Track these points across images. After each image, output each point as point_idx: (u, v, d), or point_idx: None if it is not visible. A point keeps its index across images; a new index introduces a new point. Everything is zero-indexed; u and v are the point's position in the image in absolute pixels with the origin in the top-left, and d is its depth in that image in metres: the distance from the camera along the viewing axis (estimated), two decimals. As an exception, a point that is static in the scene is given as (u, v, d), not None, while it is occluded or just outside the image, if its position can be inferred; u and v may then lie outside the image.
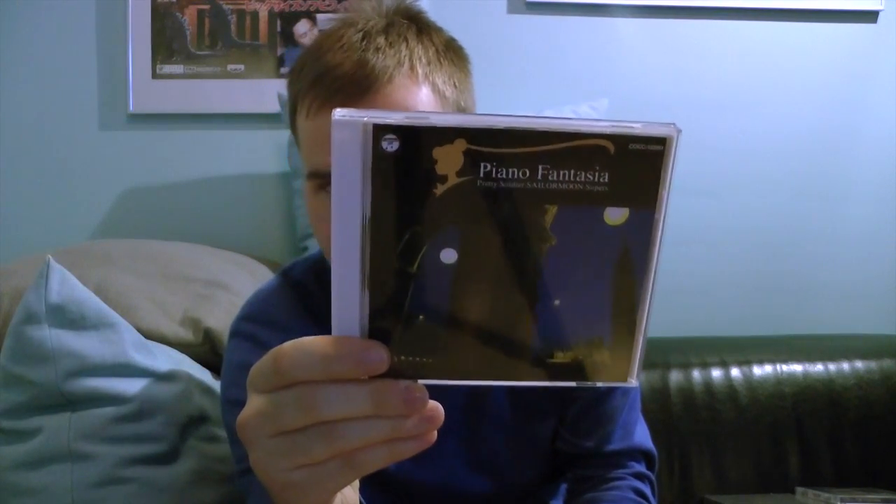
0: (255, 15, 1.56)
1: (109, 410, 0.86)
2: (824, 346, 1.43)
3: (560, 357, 0.35)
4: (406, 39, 0.69)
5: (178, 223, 1.55)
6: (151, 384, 0.90)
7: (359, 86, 0.66)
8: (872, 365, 1.38)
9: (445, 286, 0.34)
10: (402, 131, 0.31)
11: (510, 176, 0.32)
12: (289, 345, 0.36)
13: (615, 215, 0.33)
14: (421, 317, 0.34)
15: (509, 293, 0.34)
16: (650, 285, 0.35)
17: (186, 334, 1.11)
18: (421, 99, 0.68)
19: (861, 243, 1.65)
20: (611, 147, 0.32)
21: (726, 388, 1.34)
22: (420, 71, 0.68)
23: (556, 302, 0.34)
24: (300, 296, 0.83)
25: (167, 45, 1.54)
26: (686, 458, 1.32)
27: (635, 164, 0.32)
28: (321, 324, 0.80)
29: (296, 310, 0.81)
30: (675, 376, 1.35)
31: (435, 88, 0.69)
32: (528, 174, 0.32)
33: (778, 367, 1.37)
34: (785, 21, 1.63)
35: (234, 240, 1.52)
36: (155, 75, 1.54)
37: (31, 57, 1.54)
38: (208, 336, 1.10)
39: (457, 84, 0.72)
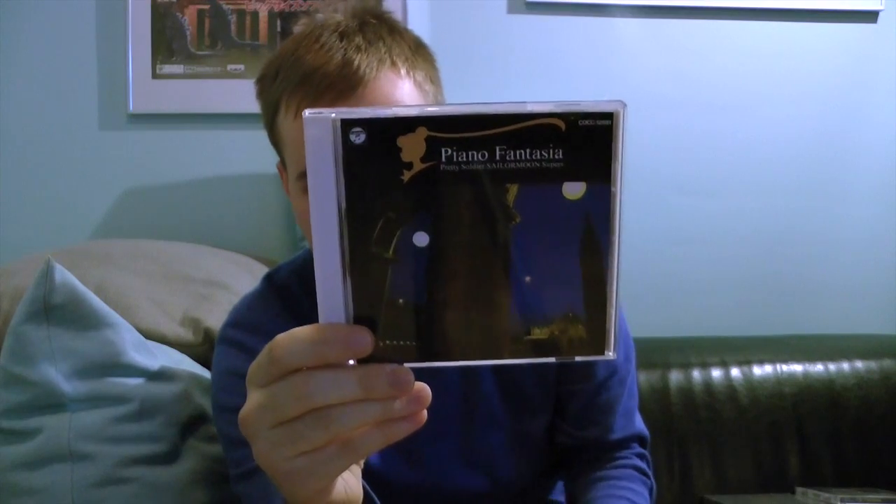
0: (255, 15, 1.56)
1: (109, 410, 0.86)
2: (824, 346, 1.43)
3: (537, 333, 0.37)
4: (382, 38, 0.71)
5: (178, 223, 1.55)
6: (151, 384, 0.90)
7: (346, 83, 0.67)
8: (872, 365, 1.38)
9: (421, 269, 0.36)
10: (367, 123, 0.34)
11: (470, 159, 0.34)
12: (281, 335, 0.38)
13: (573, 190, 0.35)
14: (401, 300, 0.36)
15: (483, 273, 0.36)
16: (615, 258, 0.36)
17: (186, 334, 1.11)
18: (405, 92, 0.70)
19: (861, 243, 1.65)
20: (562, 125, 0.34)
21: (726, 388, 1.34)
22: (401, 67, 0.70)
23: (528, 279, 0.36)
24: (284, 300, 0.83)
25: (167, 45, 1.54)
26: (686, 458, 1.32)
27: (587, 140, 0.34)
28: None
29: (280, 314, 0.82)
30: (675, 376, 1.35)
31: (416, 83, 0.72)
32: (486, 156, 0.34)
33: (778, 367, 1.37)
34: (785, 21, 1.63)
35: (234, 240, 1.52)
36: (155, 75, 1.54)
37: (31, 57, 1.54)
38: (208, 336, 1.11)
39: (432, 80, 0.75)
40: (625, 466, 0.87)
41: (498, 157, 0.34)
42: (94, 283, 1.11)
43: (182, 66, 1.55)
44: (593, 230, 0.36)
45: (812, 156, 1.64)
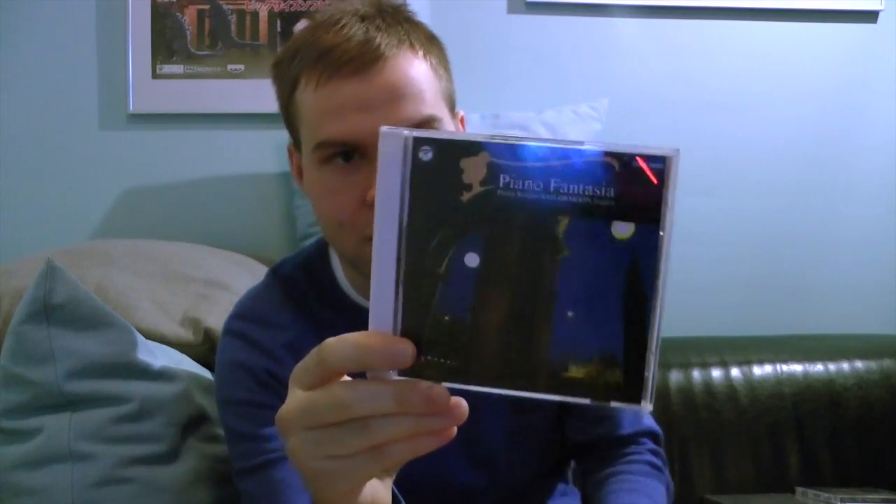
0: (255, 15, 1.56)
1: (109, 410, 0.86)
2: (824, 346, 1.43)
3: (574, 372, 0.37)
4: (400, 23, 0.74)
5: (178, 223, 1.55)
6: (151, 384, 0.90)
7: (366, 57, 0.70)
8: (872, 365, 1.38)
9: (469, 289, 0.37)
10: (435, 143, 0.36)
11: (526, 187, 0.36)
12: (332, 339, 0.39)
13: (622, 230, 0.35)
14: (447, 318, 0.37)
15: (527, 301, 0.37)
16: (659, 303, 0.36)
17: (186, 334, 1.11)
18: (421, 72, 0.72)
19: (861, 244, 1.65)
20: (616, 164, 0.35)
21: (726, 388, 1.35)
22: (419, 49, 0.73)
23: (570, 314, 0.36)
24: (290, 292, 0.83)
25: (167, 45, 1.54)
26: (686, 458, 1.32)
27: (639, 182, 0.35)
28: (310, 319, 0.82)
29: (285, 306, 0.82)
30: (675, 376, 1.35)
31: (431, 65, 0.74)
32: (541, 186, 0.36)
33: (778, 367, 1.37)
34: (785, 21, 1.63)
35: (234, 240, 1.52)
36: (155, 75, 1.54)
37: (31, 57, 1.54)
38: (208, 336, 1.11)
39: (445, 68, 0.77)
40: (637, 462, 0.86)
41: (552, 189, 0.36)
42: (94, 283, 1.11)
43: (182, 66, 1.55)
44: (638, 272, 0.36)
45: (812, 156, 1.64)
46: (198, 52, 1.55)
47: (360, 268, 0.77)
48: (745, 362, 1.37)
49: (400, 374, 0.38)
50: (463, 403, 0.39)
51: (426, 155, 0.36)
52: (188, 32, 1.55)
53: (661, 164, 0.35)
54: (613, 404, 0.37)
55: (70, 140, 1.55)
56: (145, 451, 0.87)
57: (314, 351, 0.40)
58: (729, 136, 1.62)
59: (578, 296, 0.36)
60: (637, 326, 0.36)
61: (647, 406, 0.37)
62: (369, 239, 0.72)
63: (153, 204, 1.56)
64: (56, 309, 0.86)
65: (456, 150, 0.36)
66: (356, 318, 0.82)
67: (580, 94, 1.57)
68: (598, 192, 0.35)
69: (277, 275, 0.86)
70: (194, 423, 0.93)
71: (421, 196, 0.36)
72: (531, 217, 0.36)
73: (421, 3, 1.61)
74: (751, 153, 1.62)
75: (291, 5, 1.56)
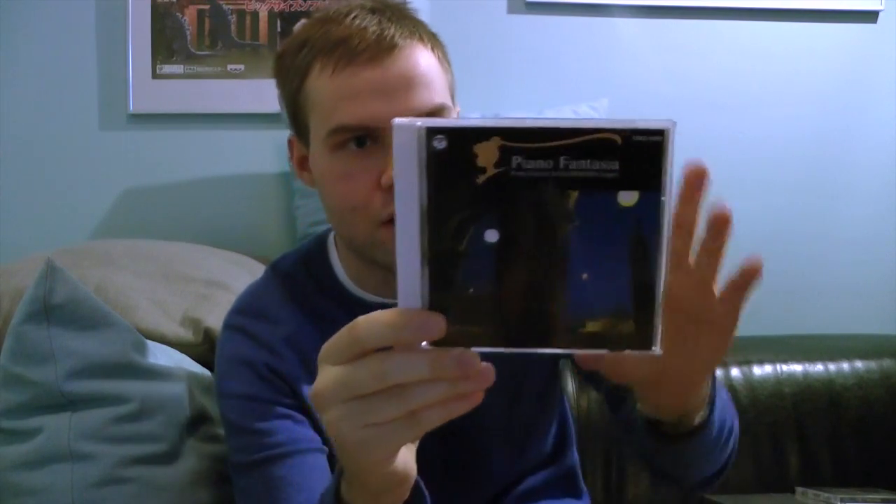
0: (255, 15, 1.56)
1: (109, 410, 0.86)
2: (824, 346, 1.43)
3: (591, 327, 0.41)
4: (407, 17, 0.76)
5: (178, 223, 1.55)
6: (151, 384, 0.90)
7: (381, 46, 0.72)
8: (872, 365, 1.38)
9: (490, 262, 0.40)
10: (448, 132, 0.38)
11: (537, 166, 0.39)
12: (362, 318, 0.42)
13: (627, 198, 0.39)
14: (471, 290, 0.40)
15: (544, 268, 0.40)
16: (663, 261, 0.40)
17: (186, 334, 1.11)
18: (431, 63, 0.75)
19: (861, 243, 1.65)
20: (618, 139, 0.38)
21: (726, 387, 1.34)
22: (427, 42, 0.76)
23: (584, 276, 0.40)
24: (289, 287, 0.84)
25: (167, 45, 1.54)
26: (686, 458, 1.32)
27: (640, 154, 0.38)
28: (310, 313, 0.82)
29: (285, 301, 0.83)
30: (675, 376, 1.35)
31: (438, 58, 0.77)
32: (551, 164, 0.39)
33: (778, 367, 1.37)
34: (785, 21, 1.63)
35: (234, 240, 1.52)
36: (155, 75, 1.54)
37: (31, 57, 1.54)
38: (208, 336, 1.11)
39: (449, 64, 0.79)
40: None
41: (561, 166, 0.39)
42: (94, 283, 1.11)
43: (182, 66, 1.55)
44: (643, 234, 0.39)
45: (812, 155, 1.64)
46: (198, 52, 1.55)
47: (371, 253, 0.76)
48: (745, 362, 1.37)
49: (430, 345, 0.42)
50: (490, 367, 0.42)
51: (440, 143, 0.39)
52: (188, 32, 1.55)
53: (659, 136, 0.38)
54: (628, 352, 0.41)
55: (70, 140, 1.55)
56: (145, 451, 0.87)
57: (345, 329, 0.42)
58: (729, 135, 1.62)
59: (590, 259, 0.40)
60: (644, 282, 0.40)
61: (657, 350, 0.41)
62: (383, 223, 0.73)
63: (153, 204, 1.56)
64: (56, 309, 0.86)
65: (469, 137, 0.38)
66: (356, 311, 0.83)
67: (580, 94, 1.57)
68: (604, 165, 0.38)
69: (277, 270, 0.87)
70: (194, 423, 0.93)
71: (438, 182, 0.39)
72: (543, 193, 0.39)
73: (421, 3, 1.60)
74: (751, 153, 1.62)
75: (291, 5, 1.56)
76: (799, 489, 1.28)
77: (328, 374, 0.43)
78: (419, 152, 0.39)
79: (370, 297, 0.81)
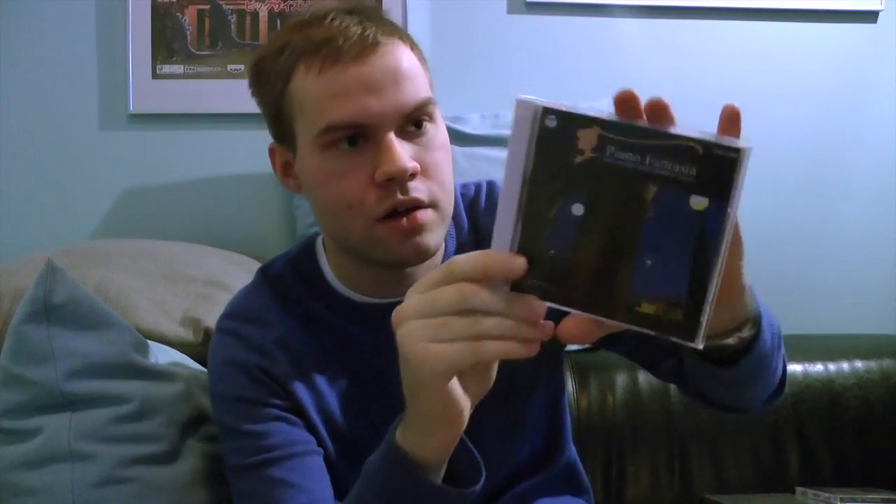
0: (255, 15, 1.56)
1: (109, 410, 0.86)
2: (824, 346, 1.43)
3: (646, 308, 0.46)
4: (384, 19, 0.77)
5: (178, 223, 1.55)
6: (151, 384, 0.90)
7: (365, 45, 0.72)
8: (872, 365, 1.38)
9: (572, 232, 0.46)
10: (560, 114, 0.45)
11: (626, 158, 0.44)
12: (460, 255, 0.49)
13: (698, 202, 0.43)
14: (552, 251, 0.47)
15: (615, 248, 0.46)
16: (720, 263, 0.44)
17: (186, 334, 1.11)
18: (413, 61, 0.75)
19: (861, 243, 1.65)
20: (700, 149, 0.43)
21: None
22: (406, 40, 0.77)
23: (648, 262, 0.45)
24: (279, 289, 0.84)
25: (167, 45, 1.54)
26: (686, 458, 1.32)
27: (717, 165, 0.43)
28: (299, 315, 0.82)
29: (275, 304, 0.83)
30: (675, 376, 1.35)
31: (418, 56, 0.77)
32: (638, 159, 0.44)
33: (778, 367, 1.37)
34: (785, 21, 1.63)
35: (234, 240, 1.52)
36: (155, 75, 1.54)
37: (31, 57, 1.54)
38: (208, 336, 1.11)
39: (427, 63, 0.79)
40: None
41: (647, 162, 0.44)
42: (94, 283, 1.11)
43: (182, 66, 1.55)
44: (706, 237, 0.44)
45: (812, 155, 1.64)
46: (198, 52, 1.55)
47: (370, 251, 0.75)
48: (745, 362, 1.37)
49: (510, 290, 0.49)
50: (551, 325, 0.49)
51: (551, 122, 0.45)
52: (188, 32, 1.55)
53: (735, 153, 0.43)
54: (672, 339, 0.46)
55: (70, 140, 1.55)
56: (145, 451, 0.87)
57: (444, 266, 0.50)
58: (729, 136, 1.62)
59: (656, 249, 0.45)
60: (700, 280, 0.44)
61: (699, 344, 0.45)
62: (379, 220, 0.73)
63: (153, 204, 1.56)
64: (56, 309, 0.86)
65: (575, 121, 0.45)
66: (345, 313, 0.83)
67: (580, 94, 1.57)
68: (683, 169, 0.43)
69: (267, 273, 0.87)
70: (194, 423, 0.93)
71: (542, 155, 0.46)
72: (627, 183, 0.44)
73: (421, 3, 1.61)
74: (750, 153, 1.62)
75: (291, 5, 1.56)
76: (799, 489, 1.28)
77: (414, 298, 0.51)
78: (532, 126, 0.45)
79: (359, 297, 0.81)
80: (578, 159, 0.45)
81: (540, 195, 0.46)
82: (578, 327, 0.48)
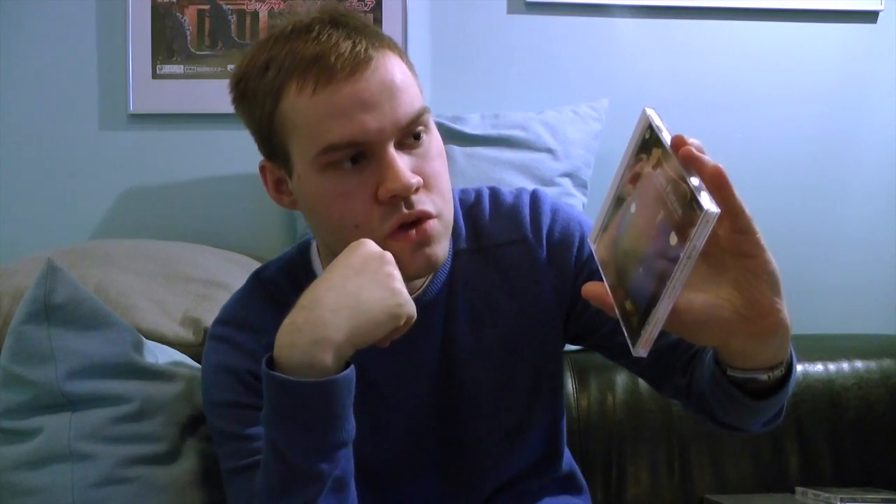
0: (255, 15, 1.56)
1: (110, 410, 0.86)
2: (824, 346, 1.43)
3: (628, 304, 0.56)
4: (369, 28, 0.75)
5: (178, 223, 1.55)
6: (151, 384, 0.91)
7: (357, 60, 0.71)
8: (872, 365, 1.38)
9: (624, 221, 0.58)
10: (654, 130, 0.56)
11: (660, 184, 0.54)
12: None
13: (672, 237, 0.51)
14: (613, 232, 0.60)
15: (636, 248, 0.56)
16: (668, 294, 0.51)
17: (186, 334, 1.11)
18: (404, 71, 0.75)
19: (861, 243, 1.65)
20: (689, 195, 0.51)
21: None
22: (395, 49, 0.76)
23: (640, 270, 0.54)
24: (272, 295, 0.84)
25: (167, 45, 1.55)
26: (686, 458, 1.32)
27: (691, 214, 0.50)
28: None
29: (267, 309, 0.82)
30: (675, 376, 1.35)
31: (407, 64, 0.77)
32: (666, 188, 0.53)
33: (778, 367, 1.37)
34: (785, 21, 1.63)
35: (234, 240, 1.52)
36: (155, 75, 1.54)
37: (31, 57, 1.54)
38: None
39: (414, 67, 0.78)
40: None
41: (667, 191, 0.53)
42: (94, 283, 1.11)
43: (182, 66, 1.55)
44: (670, 267, 0.51)
45: (812, 156, 1.64)
46: (198, 52, 1.55)
47: None
48: (745, 362, 1.37)
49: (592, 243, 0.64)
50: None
51: (648, 134, 0.57)
52: (188, 32, 1.55)
53: (700, 212, 0.49)
54: (627, 338, 0.54)
55: (70, 140, 1.55)
56: (145, 451, 0.87)
57: None
58: (729, 136, 1.62)
59: (647, 262, 0.54)
60: (653, 300, 0.52)
61: (639, 351, 0.53)
62: (387, 236, 0.72)
63: (153, 204, 1.56)
64: (56, 309, 0.86)
65: (654, 140, 0.56)
66: None
67: (580, 94, 1.57)
68: (677, 207, 0.51)
69: (260, 278, 0.87)
70: (194, 423, 0.93)
71: (635, 157, 0.58)
72: (654, 202, 0.54)
73: (421, 3, 1.61)
74: (751, 153, 1.62)
75: (291, 5, 1.56)
76: (799, 489, 1.28)
77: None
78: (641, 133, 0.58)
79: None
80: (646, 169, 0.56)
81: (622, 186, 0.59)
82: (596, 288, 0.58)
